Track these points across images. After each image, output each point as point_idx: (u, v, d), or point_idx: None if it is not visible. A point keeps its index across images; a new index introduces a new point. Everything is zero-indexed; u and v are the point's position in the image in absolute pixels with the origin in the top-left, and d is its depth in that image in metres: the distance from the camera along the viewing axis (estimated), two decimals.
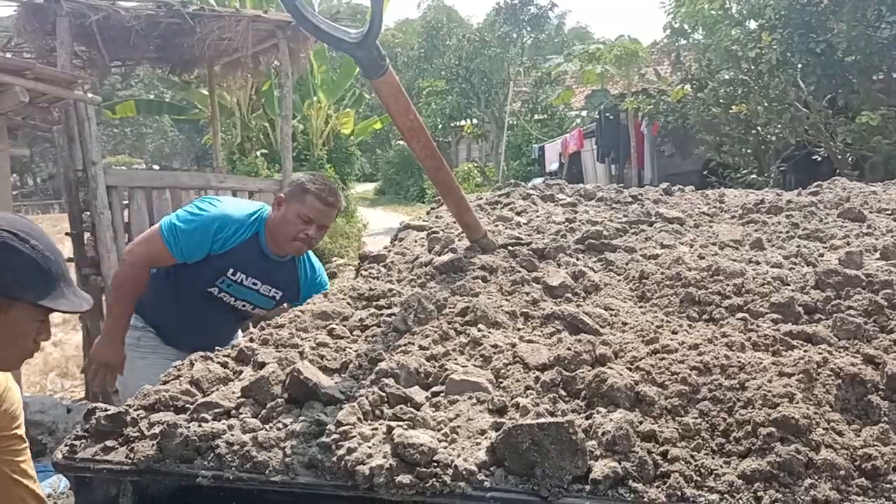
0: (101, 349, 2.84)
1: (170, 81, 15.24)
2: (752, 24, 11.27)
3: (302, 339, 1.69)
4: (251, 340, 1.73)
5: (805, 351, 1.41)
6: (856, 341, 1.48)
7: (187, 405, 1.48)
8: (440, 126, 29.82)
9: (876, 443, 1.19)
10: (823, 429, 1.21)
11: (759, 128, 11.22)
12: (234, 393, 1.50)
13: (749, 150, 11.62)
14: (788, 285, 1.73)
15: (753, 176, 11.09)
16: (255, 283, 2.90)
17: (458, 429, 1.34)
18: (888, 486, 1.12)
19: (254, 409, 1.44)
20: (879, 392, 1.28)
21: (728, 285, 1.77)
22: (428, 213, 3.42)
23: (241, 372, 1.61)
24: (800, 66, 10.24)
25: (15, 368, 1.75)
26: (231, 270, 2.84)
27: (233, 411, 1.44)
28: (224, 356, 1.68)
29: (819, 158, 10.78)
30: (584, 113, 22.96)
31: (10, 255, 1.48)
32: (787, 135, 10.59)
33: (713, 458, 1.22)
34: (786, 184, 10.89)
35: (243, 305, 2.96)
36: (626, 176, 17.90)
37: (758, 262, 1.94)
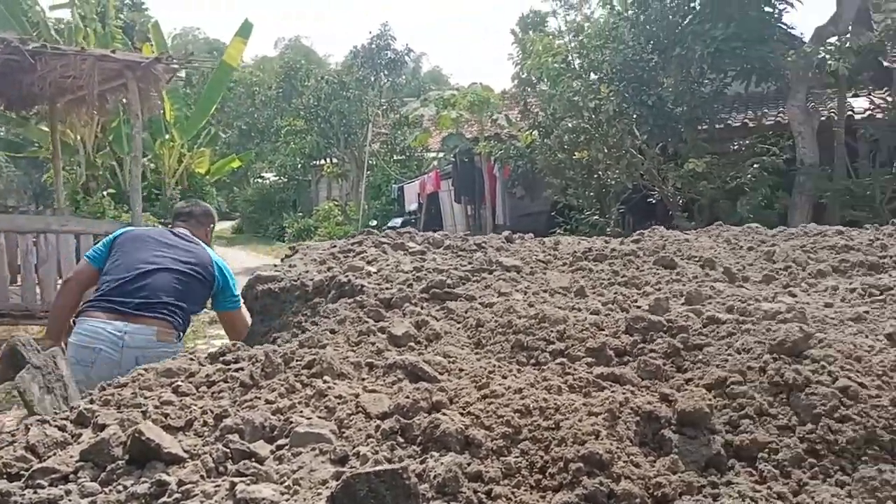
0: None
1: (5, 117, 14.31)
2: (593, 77, 12.18)
3: (145, 398, 1.69)
4: (91, 402, 1.71)
5: (612, 392, 1.60)
6: (656, 381, 1.69)
7: (22, 472, 1.45)
8: (300, 165, 29.53)
9: (666, 472, 1.38)
10: (624, 462, 1.39)
11: (599, 172, 12.08)
12: (72, 457, 1.49)
13: (591, 193, 12.46)
14: (603, 330, 1.94)
15: (596, 217, 11.90)
16: None
17: (300, 480, 1.41)
18: None
19: (93, 473, 1.44)
20: (671, 426, 1.48)
21: (552, 332, 1.95)
22: (282, 260, 3.45)
23: (80, 435, 1.59)
24: (635, 116, 11.18)
25: None
26: None
27: (70, 476, 1.43)
28: (62, 419, 1.65)
29: (654, 201, 11.75)
30: (440, 155, 23.61)
31: None
32: (624, 179, 11.48)
33: (531, 494, 1.36)
34: (625, 224, 11.77)
35: None
36: (482, 216, 18.58)
37: (579, 309, 2.15)
